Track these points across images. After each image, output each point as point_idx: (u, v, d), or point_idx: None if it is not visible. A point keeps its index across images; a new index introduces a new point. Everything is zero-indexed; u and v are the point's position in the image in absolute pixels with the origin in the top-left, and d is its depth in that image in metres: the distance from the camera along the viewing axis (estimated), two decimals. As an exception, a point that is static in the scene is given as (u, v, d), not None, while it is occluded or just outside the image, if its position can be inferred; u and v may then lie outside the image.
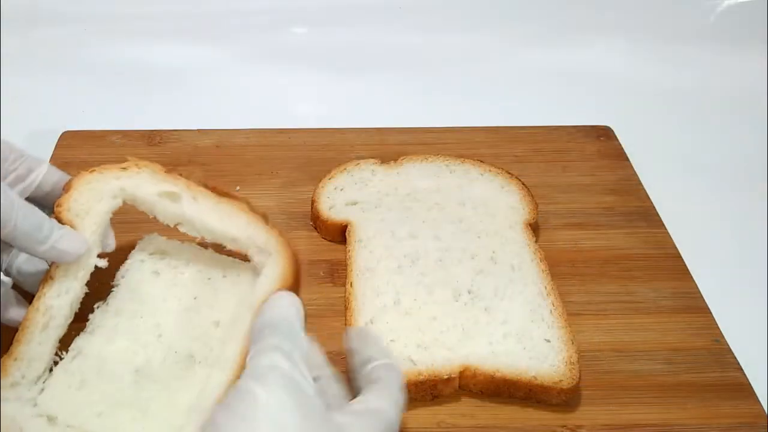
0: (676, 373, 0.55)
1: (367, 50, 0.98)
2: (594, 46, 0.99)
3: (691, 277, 0.63)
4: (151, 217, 0.56)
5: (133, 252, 0.59)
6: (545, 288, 0.58)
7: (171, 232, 0.56)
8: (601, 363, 0.56)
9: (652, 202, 0.70)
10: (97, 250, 0.53)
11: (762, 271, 0.67)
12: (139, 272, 0.57)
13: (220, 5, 1.04)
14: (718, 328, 0.58)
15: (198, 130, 0.77)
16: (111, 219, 0.56)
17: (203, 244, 0.58)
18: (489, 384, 0.52)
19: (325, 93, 0.91)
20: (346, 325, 0.56)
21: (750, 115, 0.87)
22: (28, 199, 0.51)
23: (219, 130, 0.77)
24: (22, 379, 0.48)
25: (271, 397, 0.35)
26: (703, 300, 0.61)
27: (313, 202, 0.66)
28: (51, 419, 0.47)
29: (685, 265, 0.64)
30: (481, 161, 0.70)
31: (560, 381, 0.52)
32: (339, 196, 0.67)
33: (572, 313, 0.58)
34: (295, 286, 0.54)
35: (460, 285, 0.58)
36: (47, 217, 0.50)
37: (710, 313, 0.60)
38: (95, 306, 0.54)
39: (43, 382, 0.49)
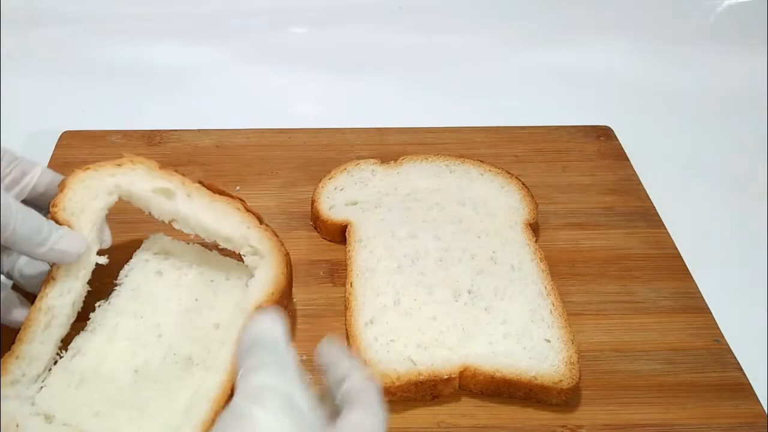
0: (676, 373, 0.55)
1: (367, 50, 0.98)
2: (594, 46, 0.99)
3: (691, 277, 0.63)
4: (146, 213, 0.56)
5: (137, 251, 0.59)
6: (545, 288, 0.58)
7: (177, 232, 0.57)
8: (601, 363, 0.56)
9: (652, 202, 0.70)
10: (96, 248, 0.53)
11: (762, 271, 0.67)
12: (142, 272, 0.57)
13: (220, 5, 1.04)
14: (718, 328, 0.58)
15: (198, 130, 0.77)
16: (114, 219, 0.56)
17: (207, 246, 0.58)
18: (489, 384, 0.52)
19: (325, 93, 0.91)
20: (346, 325, 0.56)
21: (750, 115, 0.87)
22: (24, 202, 0.51)
23: (219, 130, 0.77)
24: (22, 377, 0.48)
25: (269, 418, 0.34)
26: (703, 300, 0.61)
27: (313, 202, 0.66)
28: (48, 418, 0.47)
29: (685, 265, 0.64)
30: (481, 161, 0.70)
31: (560, 381, 0.52)
32: (339, 196, 0.67)
33: (572, 313, 0.58)
34: (287, 288, 0.55)
35: (460, 285, 0.58)
36: (45, 219, 0.50)
37: (710, 313, 0.60)
38: (96, 305, 0.54)
39: (43, 381, 0.49)
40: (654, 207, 0.70)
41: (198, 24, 1.01)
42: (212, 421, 0.46)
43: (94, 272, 0.53)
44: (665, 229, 0.67)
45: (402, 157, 0.71)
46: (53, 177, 0.55)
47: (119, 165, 0.56)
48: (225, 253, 0.58)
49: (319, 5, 1.04)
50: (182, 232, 0.56)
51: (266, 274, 0.54)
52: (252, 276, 0.54)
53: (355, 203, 0.66)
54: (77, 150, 0.74)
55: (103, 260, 0.53)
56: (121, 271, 0.57)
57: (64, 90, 0.88)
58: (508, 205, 0.66)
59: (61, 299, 0.51)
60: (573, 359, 0.53)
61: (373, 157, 0.71)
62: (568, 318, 0.56)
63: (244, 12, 1.04)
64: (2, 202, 0.47)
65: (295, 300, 0.60)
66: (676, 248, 0.65)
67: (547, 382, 0.52)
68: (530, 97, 0.90)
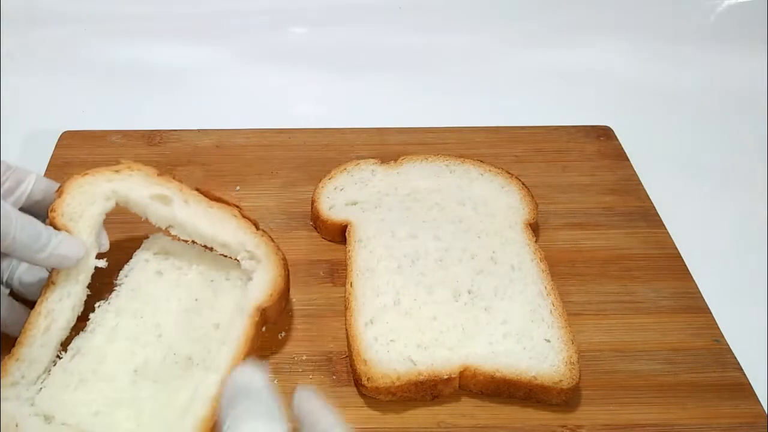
0: (676, 373, 0.55)
1: (367, 50, 0.98)
2: (594, 46, 0.99)
3: (691, 277, 0.63)
4: (143, 219, 0.56)
5: (137, 251, 0.60)
6: (545, 288, 0.58)
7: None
8: (601, 363, 0.56)
9: (652, 202, 0.70)
10: (95, 252, 0.54)
11: (762, 271, 0.67)
12: (142, 272, 0.58)
13: (220, 5, 1.04)
14: (718, 328, 0.58)
15: (198, 130, 0.77)
16: (114, 219, 0.56)
17: (207, 246, 0.58)
18: (489, 384, 0.52)
19: (325, 93, 0.91)
20: (346, 325, 0.56)
21: (750, 115, 0.87)
22: (20, 210, 0.51)
23: (219, 130, 0.77)
24: (21, 379, 0.48)
25: None
26: (703, 300, 0.61)
27: (313, 202, 0.66)
28: (48, 418, 0.47)
29: (685, 265, 0.64)
30: (481, 161, 0.70)
31: (560, 381, 0.52)
32: (339, 196, 0.67)
33: (572, 313, 0.58)
34: (285, 290, 0.55)
35: (460, 285, 0.58)
36: (44, 225, 0.50)
37: (710, 313, 0.60)
38: (96, 305, 0.54)
39: (42, 382, 0.49)
40: (654, 207, 0.70)
41: (198, 24, 1.01)
42: (211, 420, 0.46)
43: (94, 272, 0.54)
44: (665, 229, 0.67)
45: (402, 157, 0.71)
46: (48, 184, 0.56)
47: (117, 171, 0.56)
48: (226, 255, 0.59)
49: (319, 5, 1.04)
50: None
51: (265, 277, 0.54)
52: (247, 278, 0.55)
53: (355, 203, 0.66)
54: (77, 150, 0.74)
55: (102, 263, 0.54)
56: (121, 271, 0.58)
57: (64, 90, 0.88)
58: (508, 205, 0.66)
59: (61, 303, 0.51)
60: (573, 359, 0.53)
61: (373, 157, 0.71)
62: (568, 318, 0.56)
63: (244, 12, 1.04)
64: (2, 211, 0.47)
65: (294, 300, 0.60)
66: (676, 248, 0.65)
67: (547, 382, 0.52)
68: (530, 97, 0.90)
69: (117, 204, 0.56)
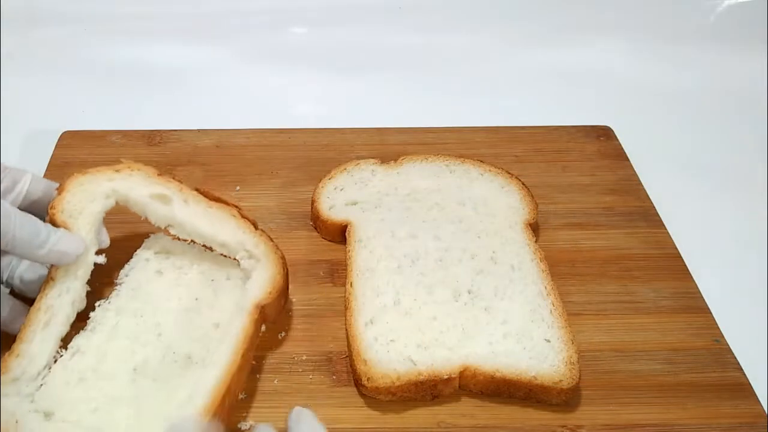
0: (676, 373, 0.55)
1: (367, 50, 0.98)
2: (594, 46, 0.99)
3: (691, 277, 0.63)
4: (142, 218, 0.56)
5: (138, 250, 0.60)
6: (545, 288, 0.58)
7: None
8: (601, 363, 0.56)
9: (652, 202, 0.70)
10: (94, 248, 0.54)
11: (762, 271, 0.67)
12: (143, 271, 0.58)
13: (220, 5, 1.04)
14: (718, 328, 0.58)
15: (198, 130, 0.77)
16: (115, 218, 0.57)
17: (206, 246, 0.59)
18: (489, 384, 0.52)
19: (325, 93, 0.91)
20: (346, 325, 0.56)
21: (750, 115, 0.87)
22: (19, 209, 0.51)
23: (219, 130, 0.77)
24: (22, 374, 0.48)
25: None
26: (703, 300, 0.61)
27: (313, 202, 0.66)
28: (47, 415, 0.47)
29: (685, 265, 0.64)
30: (481, 161, 0.70)
31: (560, 381, 0.52)
32: (339, 196, 0.67)
33: (572, 313, 0.58)
34: (285, 289, 0.55)
35: (460, 285, 0.58)
36: (43, 222, 0.50)
37: (710, 313, 0.60)
38: (96, 304, 0.54)
39: (43, 379, 0.49)
40: (654, 207, 0.70)
41: (198, 24, 1.01)
42: (210, 410, 0.46)
43: (94, 271, 0.54)
44: (665, 229, 0.67)
45: (402, 157, 0.71)
46: (46, 184, 0.56)
47: (117, 170, 0.56)
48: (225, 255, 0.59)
49: (319, 5, 1.04)
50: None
51: (264, 275, 0.54)
52: (246, 277, 0.55)
53: (355, 203, 0.66)
54: (77, 150, 0.74)
55: (102, 260, 0.54)
56: (122, 271, 0.58)
57: (64, 90, 0.88)
58: (508, 205, 0.66)
59: (60, 299, 0.51)
60: (573, 359, 0.53)
61: (373, 157, 0.71)
62: (568, 318, 0.56)
63: (244, 12, 1.04)
64: (1, 208, 0.47)
65: (294, 300, 0.60)
66: (676, 248, 0.65)
67: (547, 382, 0.52)
68: (530, 97, 0.90)
69: (117, 203, 0.56)
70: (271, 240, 0.57)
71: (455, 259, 0.61)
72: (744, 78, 0.93)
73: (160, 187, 0.56)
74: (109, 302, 0.55)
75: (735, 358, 0.56)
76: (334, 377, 0.54)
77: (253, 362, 0.54)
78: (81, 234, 0.53)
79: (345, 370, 0.55)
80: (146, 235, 0.61)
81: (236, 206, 0.57)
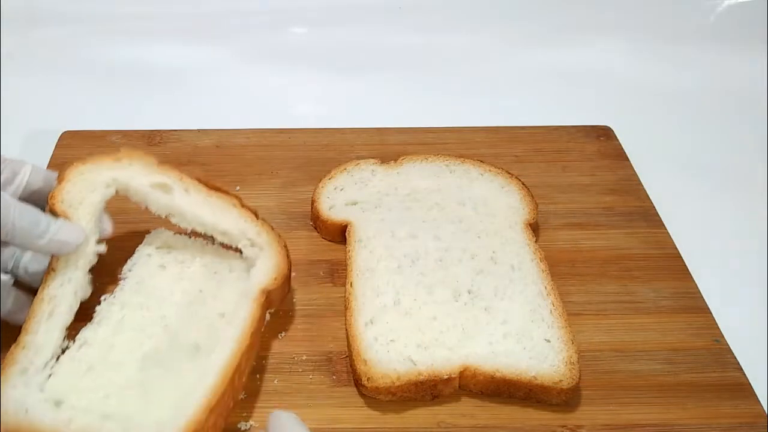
0: (676, 373, 0.55)
1: (367, 50, 0.98)
2: (594, 46, 0.99)
3: (691, 277, 0.63)
4: (143, 208, 0.56)
5: (140, 246, 0.60)
6: (545, 288, 0.58)
7: (178, 226, 0.57)
8: (601, 363, 0.56)
9: (652, 202, 0.70)
10: (95, 238, 0.54)
11: (762, 271, 0.67)
12: (146, 266, 0.58)
13: (220, 5, 1.04)
14: (718, 328, 0.58)
15: (198, 130, 0.77)
16: (116, 215, 0.57)
17: (209, 239, 0.59)
18: (489, 384, 0.52)
19: (325, 93, 0.91)
20: (346, 325, 0.56)
21: (750, 115, 0.87)
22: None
23: (219, 130, 0.77)
24: (29, 366, 0.48)
25: None
26: (703, 300, 0.61)
27: (313, 202, 0.66)
28: (57, 403, 0.47)
29: (685, 265, 0.64)
30: (481, 161, 0.70)
31: (560, 381, 0.52)
32: (339, 196, 0.67)
33: (572, 313, 0.58)
34: (288, 275, 0.56)
35: (460, 285, 0.58)
36: (42, 212, 0.50)
37: (710, 313, 0.60)
38: (102, 298, 0.55)
39: (51, 369, 0.49)
40: (654, 207, 0.70)
41: (198, 24, 1.01)
42: (219, 390, 0.47)
43: (97, 269, 0.54)
44: (665, 229, 0.67)
45: (402, 157, 0.71)
46: (46, 174, 0.56)
47: (117, 160, 0.57)
48: (227, 246, 0.59)
49: (319, 5, 1.04)
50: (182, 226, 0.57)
51: (268, 262, 0.55)
52: (249, 266, 0.55)
53: (355, 203, 0.66)
54: (77, 150, 0.74)
55: (102, 248, 0.54)
56: (125, 266, 0.58)
57: (64, 90, 0.88)
58: (508, 205, 0.66)
59: (62, 288, 0.51)
60: (573, 359, 0.53)
61: (373, 157, 0.71)
62: (568, 318, 0.56)
63: (244, 12, 1.04)
64: (1, 199, 0.48)
65: (294, 300, 0.60)
66: (676, 248, 0.65)
67: (547, 382, 0.52)
68: (530, 97, 0.90)
69: (117, 192, 0.56)
70: (273, 229, 0.57)
71: (455, 259, 0.61)
72: (744, 78, 0.93)
73: (160, 176, 0.57)
74: (114, 297, 0.55)
75: (735, 358, 0.56)
76: (334, 377, 0.54)
77: (254, 363, 0.54)
78: (81, 223, 0.53)
79: (345, 370, 0.55)
80: (147, 232, 0.61)
81: (237, 197, 0.57)
